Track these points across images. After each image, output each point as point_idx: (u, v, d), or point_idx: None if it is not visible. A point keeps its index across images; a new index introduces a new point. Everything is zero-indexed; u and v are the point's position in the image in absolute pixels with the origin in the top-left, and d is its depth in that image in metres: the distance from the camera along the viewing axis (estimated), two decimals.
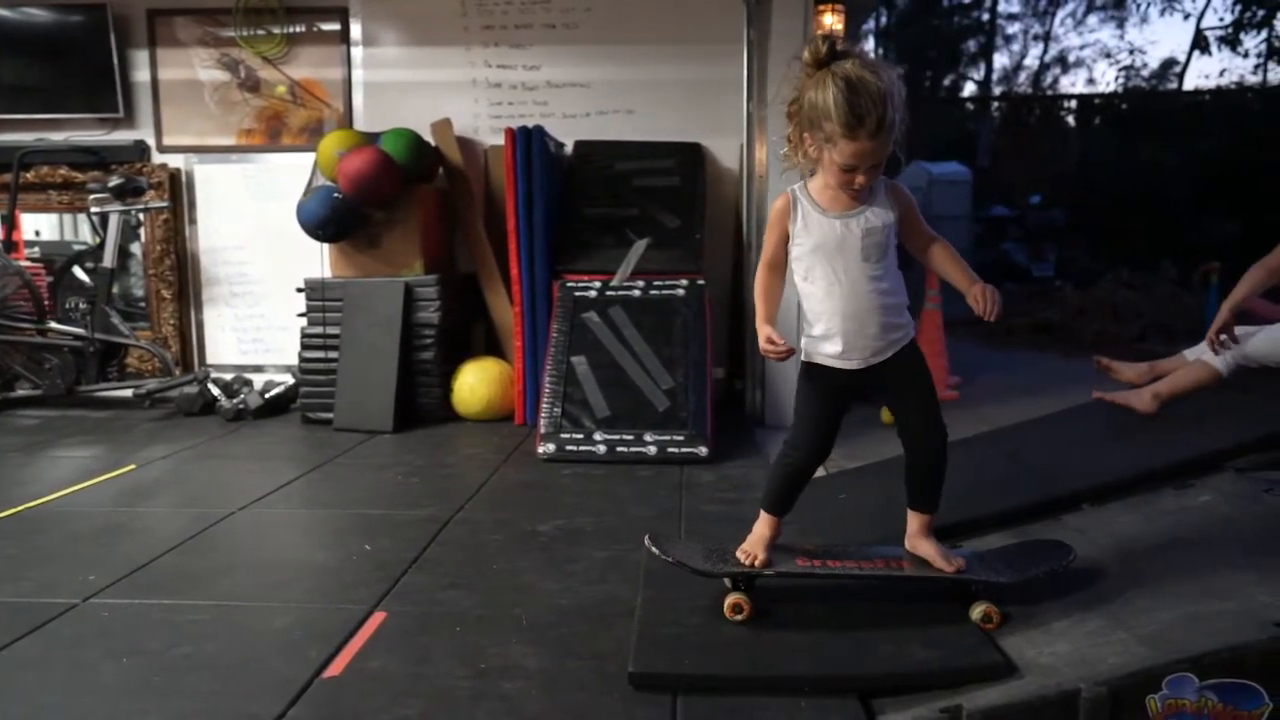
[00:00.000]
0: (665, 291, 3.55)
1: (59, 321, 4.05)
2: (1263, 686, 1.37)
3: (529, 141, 3.68)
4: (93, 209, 4.07)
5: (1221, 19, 13.03)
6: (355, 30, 4.25)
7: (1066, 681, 1.40)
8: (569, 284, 3.63)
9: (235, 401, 3.88)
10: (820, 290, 1.70)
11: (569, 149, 4.13)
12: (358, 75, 4.27)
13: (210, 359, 4.42)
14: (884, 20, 17.45)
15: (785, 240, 1.74)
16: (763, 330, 1.71)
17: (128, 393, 4.04)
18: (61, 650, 1.72)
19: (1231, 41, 12.53)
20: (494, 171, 4.16)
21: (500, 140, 3.85)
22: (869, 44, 17.15)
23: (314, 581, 2.08)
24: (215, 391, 3.97)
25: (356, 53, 4.26)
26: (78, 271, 4.31)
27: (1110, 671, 1.40)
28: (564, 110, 4.21)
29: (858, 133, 1.55)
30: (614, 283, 3.60)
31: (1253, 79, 13.09)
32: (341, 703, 1.52)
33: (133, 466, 3.10)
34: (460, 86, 4.23)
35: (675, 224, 3.83)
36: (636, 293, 3.58)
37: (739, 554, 1.76)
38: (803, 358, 1.77)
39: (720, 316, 3.99)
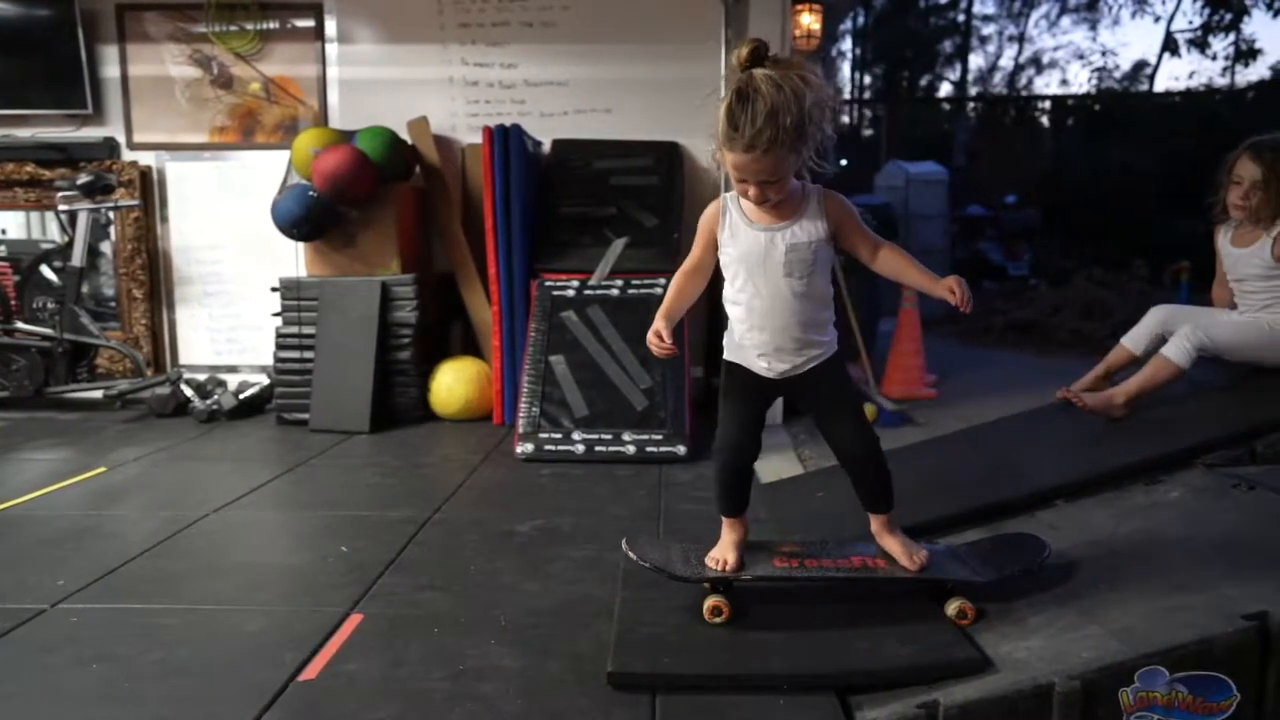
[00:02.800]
0: (643, 291, 3.56)
1: (26, 321, 3.97)
2: (1230, 678, 1.40)
3: (506, 140, 3.66)
4: (61, 207, 4.00)
5: (1190, 22, 13.27)
6: (330, 27, 4.21)
7: (1041, 676, 1.42)
8: (547, 283, 3.62)
9: (209, 402, 3.84)
10: (742, 300, 1.71)
11: (547, 148, 4.12)
12: (333, 73, 4.23)
13: (183, 359, 4.36)
14: (861, 21, 17.57)
15: (711, 247, 1.74)
16: (658, 323, 1.72)
17: (98, 394, 3.98)
18: (28, 657, 1.68)
19: (1200, 44, 12.76)
20: (471, 170, 4.14)
21: (477, 139, 3.83)
22: (846, 44, 17.26)
23: (289, 584, 2.06)
24: (188, 392, 3.92)
25: (331, 50, 4.22)
26: (46, 271, 4.23)
27: (1083, 666, 1.42)
28: (541, 109, 4.19)
29: (734, 144, 1.54)
30: (592, 282, 3.60)
31: (1221, 81, 13.33)
32: (317, 706, 1.50)
33: (103, 469, 3.05)
34: (437, 85, 4.20)
35: (653, 223, 3.83)
36: (615, 292, 3.58)
37: (709, 560, 1.76)
38: (725, 354, 1.78)
39: (698, 315, 4.00)
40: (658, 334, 1.71)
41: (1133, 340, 2.49)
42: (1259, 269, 2.41)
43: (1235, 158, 2.44)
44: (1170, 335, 2.42)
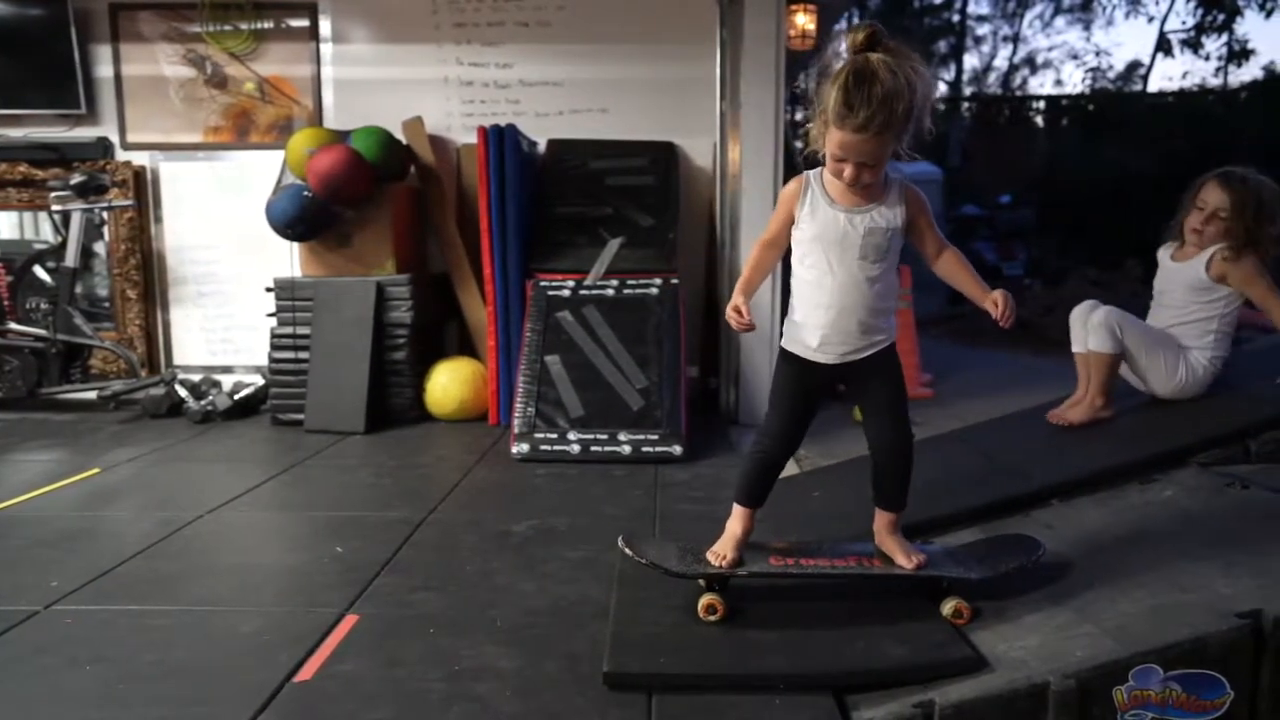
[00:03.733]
0: (639, 291, 3.55)
1: (19, 322, 3.96)
2: (1224, 676, 1.40)
3: (501, 140, 3.66)
4: (54, 207, 3.99)
5: (1184, 22, 13.31)
6: (325, 27, 4.20)
7: (1036, 675, 1.42)
8: (542, 283, 3.62)
9: (203, 403, 3.83)
10: (812, 278, 1.70)
11: (542, 148, 4.12)
12: (327, 72, 4.22)
13: (177, 360, 4.35)
14: (856, 20, 17.58)
15: (789, 222, 1.73)
16: (736, 297, 1.72)
17: (92, 395, 3.97)
18: (22, 659, 1.68)
19: (1193, 45, 12.80)
20: (466, 170, 4.13)
21: (473, 139, 3.82)
22: (839, 45, 17.26)
23: (284, 585, 2.05)
24: (182, 393, 3.90)
25: (326, 49, 4.21)
26: (39, 271, 4.21)
27: (1078, 664, 1.42)
28: (537, 109, 4.19)
29: (845, 123, 1.55)
30: (588, 282, 3.60)
31: (1214, 81, 13.37)
32: (313, 707, 1.50)
33: (97, 470, 3.04)
34: (432, 84, 4.20)
35: (649, 223, 3.83)
36: (610, 292, 3.58)
37: (709, 555, 1.76)
38: (781, 343, 1.78)
39: (694, 315, 4.00)
40: (737, 309, 1.70)
41: (1078, 344, 2.52)
42: (1186, 282, 2.43)
43: (1202, 183, 2.45)
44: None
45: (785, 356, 1.78)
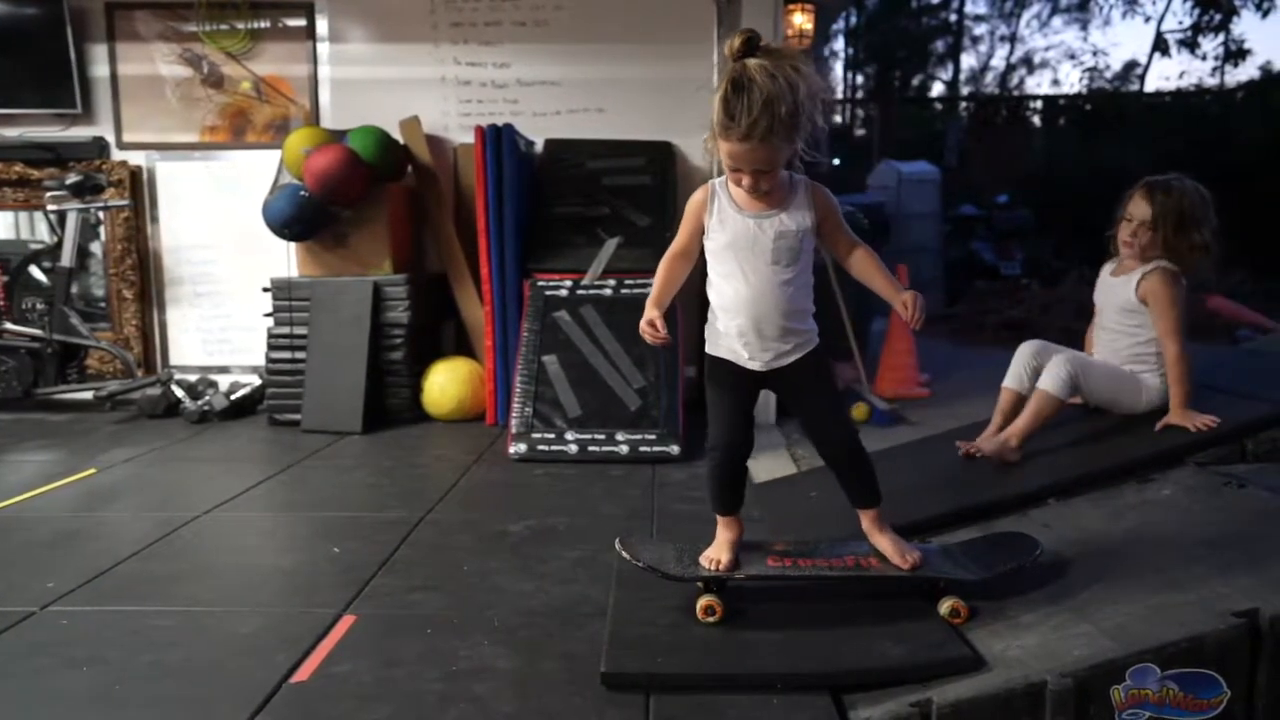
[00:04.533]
0: (637, 290, 3.55)
1: (15, 322, 3.95)
2: (1221, 675, 1.40)
3: (499, 140, 3.66)
4: (50, 207, 3.98)
5: (1181, 22, 13.33)
6: (321, 26, 4.20)
7: (1033, 674, 1.42)
8: (540, 283, 3.61)
9: (200, 403, 3.82)
10: (729, 288, 1.70)
11: (539, 147, 4.11)
12: (324, 72, 4.22)
13: (174, 360, 4.34)
14: (853, 20, 17.61)
15: (698, 232, 1.73)
16: (649, 312, 1.72)
17: (88, 395, 3.96)
18: (18, 660, 1.67)
19: (1190, 44, 12.83)
20: (463, 170, 4.13)
21: (470, 138, 3.82)
22: (838, 44, 17.29)
23: (281, 585, 2.05)
24: (179, 393, 3.90)
25: (323, 49, 4.21)
26: (34, 271, 4.20)
27: (1075, 664, 1.42)
28: (534, 108, 4.19)
29: (730, 133, 1.55)
30: (585, 281, 3.60)
31: (1211, 81, 13.40)
32: (310, 708, 1.50)
33: (94, 470, 3.03)
34: (429, 84, 4.19)
35: (646, 222, 3.83)
36: (608, 291, 3.58)
37: (704, 560, 1.76)
38: (707, 349, 1.77)
39: (691, 315, 4.00)
40: (650, 323, 1.71)
41: (1014, 380, 2.45)
42: (1122, 300, 2.38)
43: (1130, 194, 2.41)
44: (1044, 367, 2.39)
45: (714, 362, 1.76)
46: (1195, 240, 2.30)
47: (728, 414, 1.77)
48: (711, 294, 1.75)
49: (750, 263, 1.67)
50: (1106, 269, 2.52)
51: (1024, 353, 2.47)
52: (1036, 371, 2.40)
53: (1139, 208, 2.35)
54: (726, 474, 1.79)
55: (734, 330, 1.71)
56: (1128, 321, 2.39)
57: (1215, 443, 2.20)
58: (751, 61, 1.53)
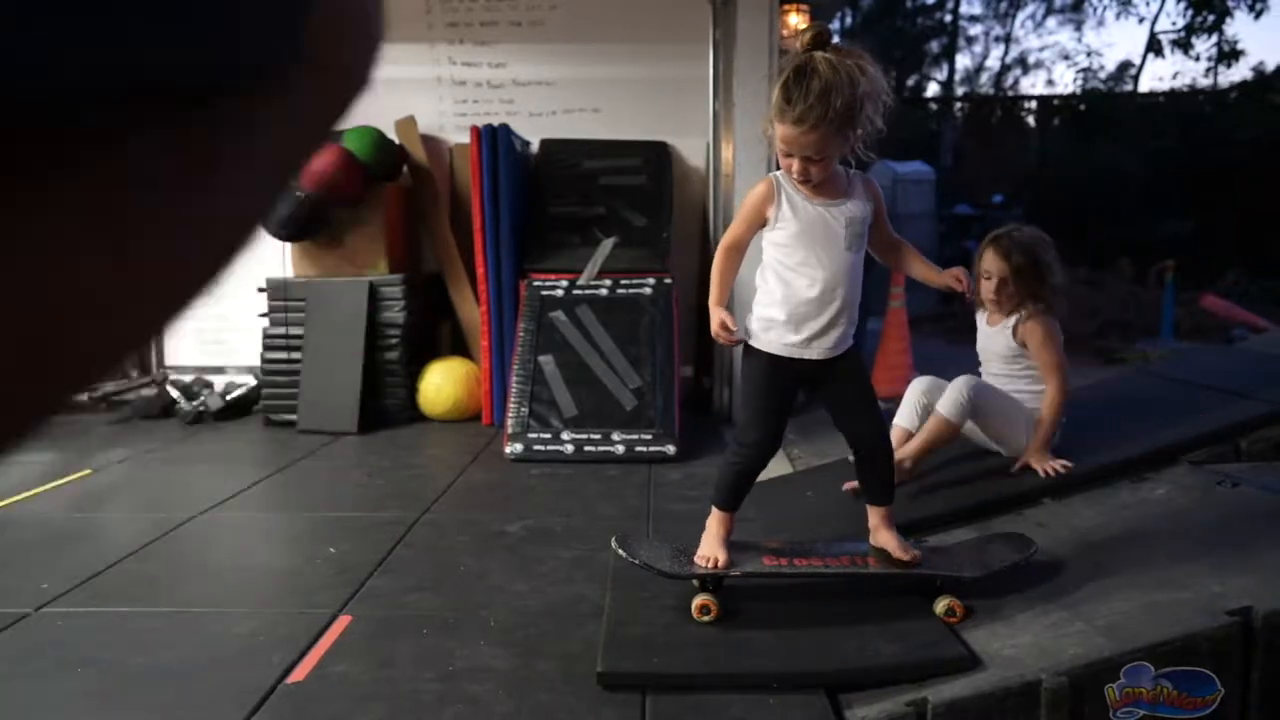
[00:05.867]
0: (632, 290, 3.55)
1: None
2: (1215, 673, 1.41)
3: (495, 140, 3.66)
4: None
5: (1174, 23, 13.38)
6: None
7: (1029, 673, 1.43)
8: (536, 283, 3.61)
9: (195, 404, 3.81)
10: (800, 278, 1.69)
11: (535, 147, 4.11)
12: None
13: (169, 360, 4.32)
14: (849, 21, 17.63)
15: (757, 225, 1.74)
16: (718, 314, 1.71)
17: (83, 396, 3.95)
18: (12, 661, 1.67)
19: (1184, 45, 12.86)
20: (459, 170, 4.12)
21: (465, 138, 3.81)
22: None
23: (277, 586, 2.05)
24: (174, 394, 3.89)
25: None
26: None
27: (1070, 662, 1.43)
28: (530, 108, 4.18)
29: (785, 116, 1.58)
30: (581, 281, 3.59)
31: (1204, 82, 13.44)
32: (305, 709, 1.50)
33: (88, 471, 3.03)
34: (425, 84, 4.19)
35: (642, 223, 3.83)
36: (604, 291, 3.58)
37: (698, 559, 1.76)
38: (752, 342, 1.75)
39: (687, 315, 4.00)
40: (723, 324, 1.69)
41: (904, 418, 2.44)
42: (1002, 349, 2.38)
43: (982, 249, 2.39)
44: (934, 404, 2.38)
45: (759, 356, 1.74)
46: (1051, 282, 2.32)
47: (771, 411, 1.76)
48: (771, 287, 1.72)
49: (826, 250, 1.69)
50: (980, 317, 2.50)
51: (915, 390, 2.44)
52: (927, 410, 2.37)
53: (994, 264, 2.34)
54: (749, 473, 1.80)
55: (802, 317, 1.69)
56: (1013, 367, 2.38)
57: (1209, 442, 2.21)
58: (818, 54, 1.57)
